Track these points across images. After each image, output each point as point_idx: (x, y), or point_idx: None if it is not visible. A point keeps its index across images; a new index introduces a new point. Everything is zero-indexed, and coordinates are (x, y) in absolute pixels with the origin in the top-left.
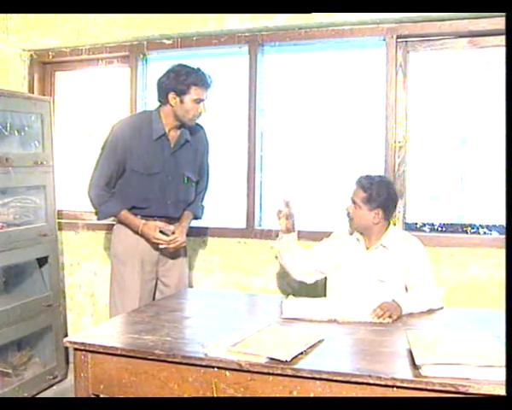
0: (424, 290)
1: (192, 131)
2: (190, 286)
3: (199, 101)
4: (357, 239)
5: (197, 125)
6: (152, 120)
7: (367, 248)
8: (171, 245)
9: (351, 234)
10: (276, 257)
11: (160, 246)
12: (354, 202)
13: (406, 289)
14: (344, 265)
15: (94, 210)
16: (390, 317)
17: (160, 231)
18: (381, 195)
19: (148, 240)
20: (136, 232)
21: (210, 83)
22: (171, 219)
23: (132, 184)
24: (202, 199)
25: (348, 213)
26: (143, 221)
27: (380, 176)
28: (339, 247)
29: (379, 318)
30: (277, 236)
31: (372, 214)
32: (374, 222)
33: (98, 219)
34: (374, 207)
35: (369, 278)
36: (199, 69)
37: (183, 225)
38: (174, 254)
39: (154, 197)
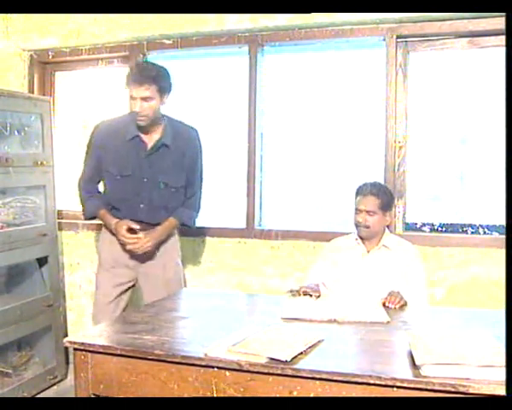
0: (415, 299)
1: (179, 135)
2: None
3: (133, 98)
4: (358, 243)
5: (189, 127)
6: (130, 121)
7: (367, 251)
8: (136, 246)
9: (355, 239)
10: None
11: (127, 247)
12: (367, 211)
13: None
14: (346, 269)
15: (82, 209)
16: (400, 302)
17: (133, 232)
18: (389, 198)
19: (119, 241)
20: (112, 232)
21: (142, 79)
22: (147, 224)
23: (108, 185)
24: (194, 205)
25: (364, 224)
26: (116, 220)
27: (376, 181)
28: (338, 255)
29: (395, 304)
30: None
31: (387, 218)
32: (386, 224)
33: (84, 218)
34: (386, 210)
35: (373, 278)
36: (138, 64)
37: (157, 229)
38: (152, 260)
39: (126, 199)
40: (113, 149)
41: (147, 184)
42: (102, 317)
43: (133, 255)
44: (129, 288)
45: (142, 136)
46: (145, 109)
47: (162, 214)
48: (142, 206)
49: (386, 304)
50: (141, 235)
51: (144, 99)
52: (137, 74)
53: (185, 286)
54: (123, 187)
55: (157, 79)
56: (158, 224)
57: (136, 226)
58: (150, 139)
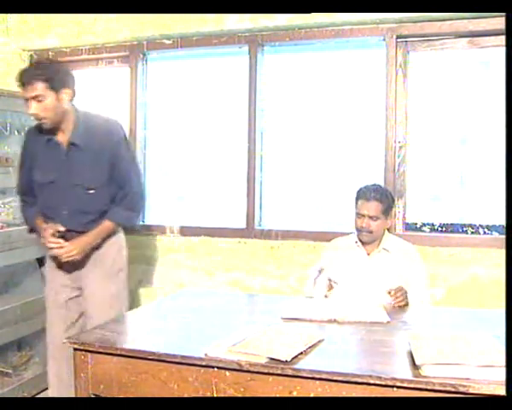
0: (418, 300)
1: (94, 131)
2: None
3: (26, 99)
4: (358, 246)
5: (107, 121)
6: None
7: (368, 254)
8: (61, 252)
9: (355, 242)
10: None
11: (51, 252)
12: (371, 217)
13: None
14: (346, 272)
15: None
16: (401, 302)
17: (62, 237)
18: (391, 201)
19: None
20: None
21: (29, 78)
22: (75, 232)
23: (37, 193)
24: (131, 204)
25: (367, 229)
26: (45, 226)
27: (377, 184)
28: (338, 256)
29: (398, 301)
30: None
31: (388, 221)
32: (387, 228)
33: (27, 231)
34: (388, 213)
35: (373, 282)
36: (30, 63)
37: (87, 234)
38: (82, 270)
39: (52, 207)
40: (37, 154)
41: (67, 188)
42: (52, 324)
43: (63, 265)
44: (77, 296)
45: (57, 138)
46: (39, 109)
47: (86, 220)
48: (64, 212)
49: (392, 294)
50: (58, 240)
51: (35, 98)
52: (25, 74)
53: (127, 309)
54: (48, 193)
55: (46, 76)
56: (87, 231)
57: (61, 229)
58: (64, 140)
